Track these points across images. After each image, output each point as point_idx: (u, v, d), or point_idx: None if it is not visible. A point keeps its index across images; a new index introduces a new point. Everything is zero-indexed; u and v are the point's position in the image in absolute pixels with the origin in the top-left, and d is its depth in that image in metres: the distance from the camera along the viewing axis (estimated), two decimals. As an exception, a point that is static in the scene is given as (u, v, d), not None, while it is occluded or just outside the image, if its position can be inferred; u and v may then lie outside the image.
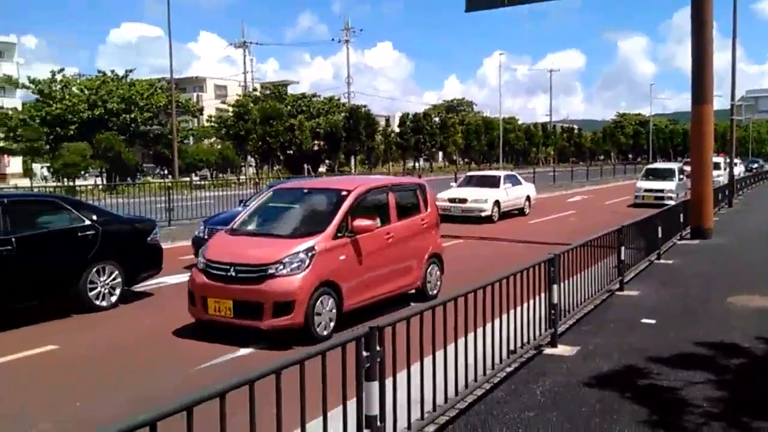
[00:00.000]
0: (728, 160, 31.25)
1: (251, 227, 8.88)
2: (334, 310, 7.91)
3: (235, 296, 7.61)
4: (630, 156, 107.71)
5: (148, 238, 10.36)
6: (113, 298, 9.60)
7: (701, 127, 15.73)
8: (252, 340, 7.63)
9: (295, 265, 7.60)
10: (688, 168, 36.79)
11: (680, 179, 27.64)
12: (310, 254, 7.72)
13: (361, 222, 8.30)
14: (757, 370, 6.36)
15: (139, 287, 10.58)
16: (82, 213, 9.63)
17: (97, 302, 9.38)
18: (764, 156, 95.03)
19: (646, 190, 27.23)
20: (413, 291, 9.63)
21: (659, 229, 12.60)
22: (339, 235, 8.14)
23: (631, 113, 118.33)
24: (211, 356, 7.22)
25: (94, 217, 9.68)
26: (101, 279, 9.47)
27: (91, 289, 9.33)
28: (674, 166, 30.45)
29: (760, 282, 10.49)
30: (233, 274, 7.71)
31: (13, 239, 8.49)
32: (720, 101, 50.37)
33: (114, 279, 9.62)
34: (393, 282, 9.03)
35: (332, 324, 7.84)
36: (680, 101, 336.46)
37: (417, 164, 71.75)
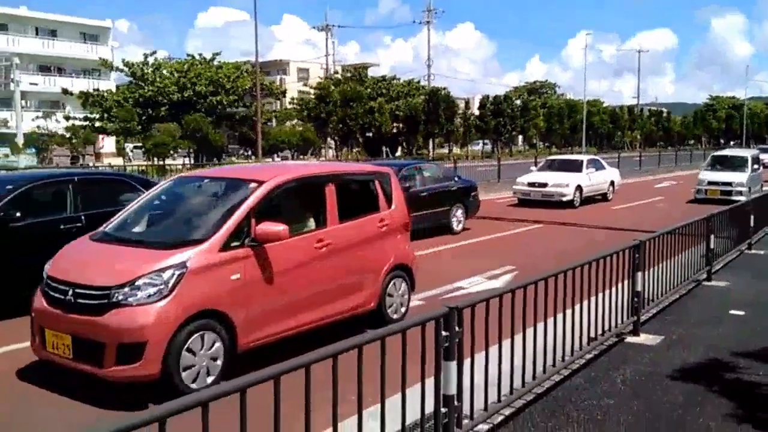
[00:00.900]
0: None
1: (124, 231, 6.63)
2: (221, 351, 5.73)
3: (74, 330, 5.58)
4: (722, 141, 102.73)
5: None
6: None
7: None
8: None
9: (152, 289, 5.47)
10: (765, 156, 33.83)
11: (754, 169, 23.28)
12: (177, 273, 5.56)
13: (267, 227, 6.03)
14: None
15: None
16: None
17: None
18: None
19: (709, 183, 22.49)
20: (372, 311, 7.40)
21: (752, 217, 12.06)
22: (234, 244, 5.95)
23: (724, 96, 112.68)
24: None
25: None
26: None
27: None
28: (747, 153, 25.14)
29: None
30: (71, 299, 5.67)
31: (83, 216, 8.60)
32: (825, 84, 46.99)
33: None
34: (330, 305, 6.84)
35: (216, 370, 5.69)
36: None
37: (472, 146, 65.64)
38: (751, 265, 10.87)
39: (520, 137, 78.83)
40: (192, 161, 41.71)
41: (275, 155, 48.26)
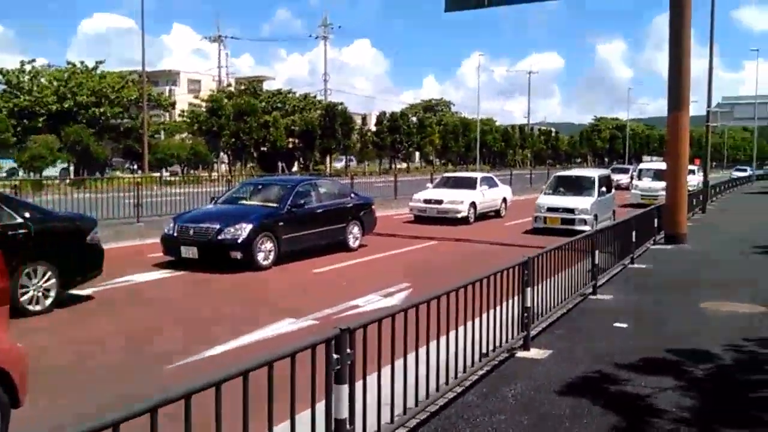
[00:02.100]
0: (694, 167, 29.27)
1: None
2: None
3: None
4: (606, 160, 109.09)
5: (88, 238, 9.65)
6: (47, 302, 8.92)
7: (677, 133, 15.85)
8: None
9: None
10: (620, 177, 33.27)
11: (602, 193, 19.67)
12: None
13: None
14: (726, 377, 6.37)
15: (91, 289, 10.12)
16: (13, 210, 8.87)
17: (30, 306, 8.70)
18: (747, 162, 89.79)
19: (549, 209, 18.96)
20: None
21: (633, 233, 12.68)
22: None
23: (608, 117, 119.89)
24: (174, 358, 7.06)
25: (27, 215, 8.96)
26: (33, 281, 8.78)
27: (23, 293, 8.63)
28: (594, 174, 20.89)
29: (732, 287, 10.58)
30: None
31: None
32: (696, 107, 50.89)
33: (48, 281, 8.94)
34: None
35: None
36: (657, 106, 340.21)
37: (335, 163, 64.58)
38: (634, 279, 11.39)
39: (417, 154, 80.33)
40: (72, 176, 39.49)
41: (164, 170, 46.44)
